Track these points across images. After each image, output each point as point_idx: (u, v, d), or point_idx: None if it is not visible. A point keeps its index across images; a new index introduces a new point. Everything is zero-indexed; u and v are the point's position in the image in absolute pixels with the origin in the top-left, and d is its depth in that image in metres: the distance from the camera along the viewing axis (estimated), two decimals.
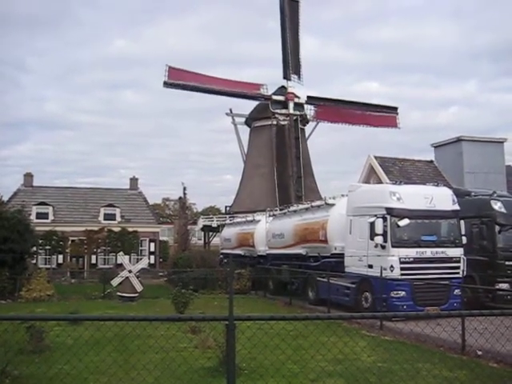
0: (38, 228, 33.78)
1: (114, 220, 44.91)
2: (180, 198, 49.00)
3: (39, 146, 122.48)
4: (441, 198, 17.09)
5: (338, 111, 45.55)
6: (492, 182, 30.74)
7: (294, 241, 23.20)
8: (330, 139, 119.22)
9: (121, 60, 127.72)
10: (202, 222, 45.73)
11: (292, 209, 25.41)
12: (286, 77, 44.06)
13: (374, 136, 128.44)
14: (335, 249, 19.79)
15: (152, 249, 45.85)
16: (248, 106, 46.90)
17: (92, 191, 49.40)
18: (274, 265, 25.08)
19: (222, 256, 34.12)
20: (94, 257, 43.48)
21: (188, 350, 10.20)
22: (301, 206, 24.62)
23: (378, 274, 15.72)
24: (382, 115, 46.45)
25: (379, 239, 16.32)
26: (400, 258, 16.13)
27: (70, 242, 42.44)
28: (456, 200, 17.48)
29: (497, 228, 18.14)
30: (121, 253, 28.81)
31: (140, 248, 44.76)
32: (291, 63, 43.76)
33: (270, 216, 27.31)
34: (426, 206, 16.71)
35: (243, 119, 46.78)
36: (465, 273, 16.63)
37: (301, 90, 45.17)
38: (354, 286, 17.82)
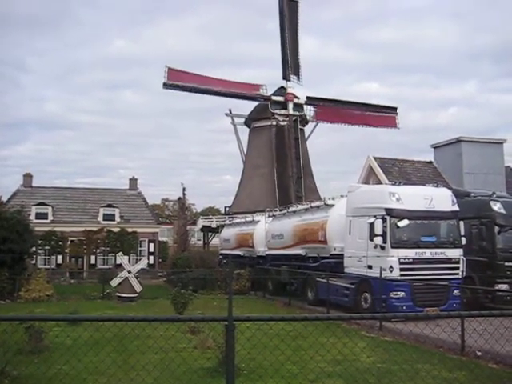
0: (37, 228, 33.76)
1: (114, 220, 44.89)
2: (179, 198, 49.03)
3: (39, 146, 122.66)
4: (440, 199, 17.09)
5: (337, 111, 45.56)
6: (491, 182, 30.74)
7: (293, 241, 23.19)
8: (330, 140, 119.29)
9: (120, 60, 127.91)
10: (201, 223, 45.70)
11: (291, 209, 25.41)
12: (286, 77, 44.08)
13: (373, 136, 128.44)
14: (334, 249, 19.79)
15: (151, 249, 45.83)
16: (247, 107, 46.99)
17: (91, 191, 49.39)
18: (274, 265, 25.07)
19: (221, 256, 34.11)
20: (93, 257, 43.45)
21: (187, 351, 10.18)
22: (300, 207, 24.62)
23: (378, 275, 15.71)
24: (381, 115, 46.46)
25: (378, 240, 16.32)
26: (399, 259, 16.13)
27: (69, 243, 42.42)
28: (455, 201, 17.48)
29: (496, 229, 18.13)
30: (120, 253, 28.79)
31: (139, 248, 44.73)
32: (290, 64, 43.77)
33: (269, 217, 27.31)
34: (426, 206, 16.71)
35: (243, 120, 46.79)
36: (464, 273, 16.63)
37: (300, 90, 45.27)
38: (353, 286, 17.82)
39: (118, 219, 45.25)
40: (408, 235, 16.59)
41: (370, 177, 33.78)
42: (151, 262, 43.51)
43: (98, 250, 43.32)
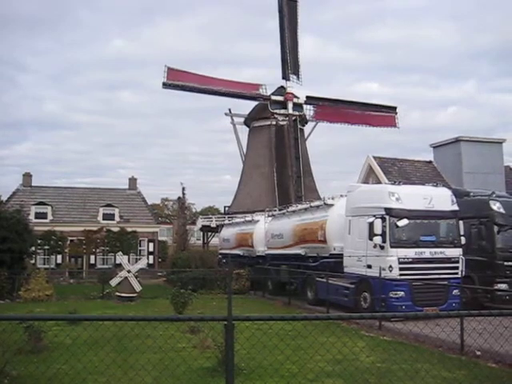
0: (36, 228, 33.79)
1: (113, 220, 44.89)
2: (179, 198, 49.05)
3: (38, 146, 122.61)
4: (440, 199, 17.09)
5: (337, 111, 45.53)
6: (491, 182, 30.73)
7: (292, 241, 23.19)
8: (329, 139, 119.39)
9: (120, 60, 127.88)
10: (200, 222, 45.68)
11: (291, 209, 25.40)
12: (285, 77, 44.03)
13: (373, 136, 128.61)
14: (334, 249, 19.79)
15: (151, 249, 45.83)
16: (247, 106, 46.94)
17: (91, 191, 49.38)
18: (273, 265, 25.07)
19: (220, 256, 34.11)
20: (92, 257, 43.44)
21: (187, 350, 10.18)
22: (300, 207, 24.62)
23: (377, 275, 15.72)
24: (381, 115, 46.42)
25: (378, 239, 16.32)
26: (399, 259, 16.13)
27: (68, 242, 42.41)
28: (455, 200, 17.48)
29: (495, 228, 18.13)
30: (119, 253, 28.77)
31: (139, 248, 44.75)
32: (290, 63, 43.73)
33: (268, 216, 27.31)
34: (425, 206, 16.71)
35: (242, 119, 46.76)
36: (463, 273, 16.63)
37: (300, 90, 45.19)
38: (352, 286, 17.82)
39: (117, 219, 45.25)
40: (407, 235, 16.59)
41: (369, 176, 33.77)
42: (151, 261, 43.53)
43: (98, 250, 43.30)
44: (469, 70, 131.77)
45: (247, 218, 30.35)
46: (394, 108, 46.97)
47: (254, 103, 45.56)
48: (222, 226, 36.56)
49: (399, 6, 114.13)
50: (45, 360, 9.31)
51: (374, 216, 16.57)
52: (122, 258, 25.43)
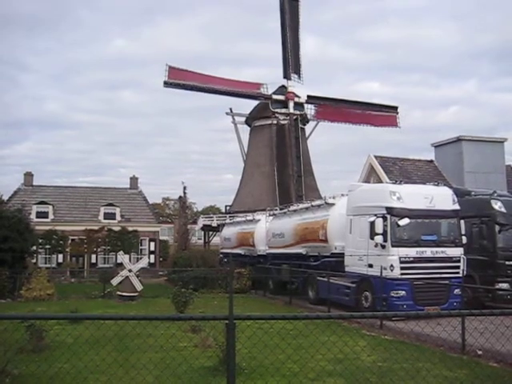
0: (38, 227, 33.86)
1: (114, 219, 44.93)
2: (180, 197, 49.05)
3: (39, 146, 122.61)
4: (441, 198, 17.09)
5: (338, 111, 45.52)
6: (492, 181, 30.70)
7: (294, 240, 23.19)
8: (331, 139, 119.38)
9: (121, 60, 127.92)
10: (201, 222, 45.72)
11: (292, 208, 25.40)
12: (286, 76, 44.04)
13: (374, 135, 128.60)
14: (335, 248, 19.79)
15: (152, 248, 45.86)
16: (248, 106, 46.95)
17: (92, 190, 49.44)
18: (274, 264, 25.07)
19: (221, 255, 34.11)
20: (93, 256, 43.48)
21: (188, 349, 10.20)
22: (301, 206, 24.60)
23: (378, 274, 15.71)
24: (382, 114, 46.41)
25: (379, 239, 16.31)
26: (400, 258, 16.12)
27: (69, 242, 42.45)
28: (456, 200, 17.47)
29: (497, 228, 18.12)
30: (121, 252, 28.81)
31: (140, 247, 44.80)
32: (291, 62, 43.74)
33: (270, 215, 27.30)
34: (426, 205, 16.70)
35: (243, 118, 46.76)
36: (465, 272, 16.62)
37: (301, 89, 45.21)
38: (354, 285, 17.82)
39: (118, 218, 45.29)
40: (408, 234, 16.58)
41: (370, 176, 33.76)
42: (152, 260, 43.53)
43: (99, 249, 43.33)
44: (469, 70, 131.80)
45: (248, 218, 30.34)
46: (396, 108, 46.96)
47: (255, 102, 45.58)
48: (223, 225, 36.55)
49: (400, 5, 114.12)
50: (46, 359, 9.31)
51: (375, 215, 16.57)
52: (123, 258, 25.46)
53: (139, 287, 23.31)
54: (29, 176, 47.63)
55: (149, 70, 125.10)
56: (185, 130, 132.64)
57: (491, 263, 17.80)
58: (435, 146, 36.93)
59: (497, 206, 18.37)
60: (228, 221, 35.69)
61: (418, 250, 16.33)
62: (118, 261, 31.90)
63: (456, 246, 16.89)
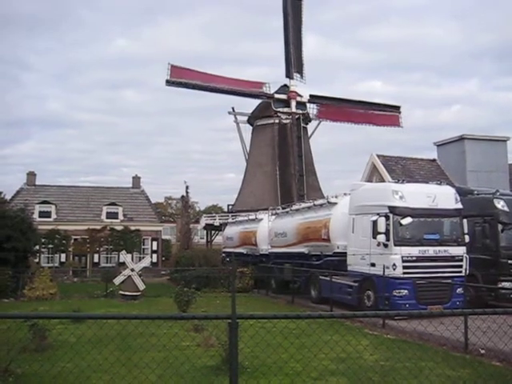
0: (40, 227, 33.96)
1: (117, 219, 44.99)
2: (182, 196, 49.07)
3: (41, 145, 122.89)
4: (443, 197, 17.05)
5: (340, 110, 45.44)
6: (495, 180, 30.67)
7: (296, 239, 23.18)
8: (332, 138, 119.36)
9: (122, 59, 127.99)
10: (204, 221, 45.68)
11: (294, 207, 25.38)
12: (289, 75, 43.97)
13: (376, 135, 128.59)
14: (338, 247, 19.76)
15: (154, 247, 45.93)
16: (250, 105, 46.88)
17: (94, 190, 49.52)
18: (277, 263, 25.06)
19: (224, 255, 34.12)
20: (96, 255, 43.55)
21: (190, 349, 10.21)
22: (303, 205, 24.58)
23: (381, 273, 15.71)
24: (384, 114, 46.29)
25: (382, 238, 16.29)
26: (402, 257, 16.09)
27: (72, 241, 42.49)
28: (459, 198, 17.44)
29: (499, 226, 18.09)
30: (123, 251, 28.83)
31: (142, 247, 44.82)
32: (294, 62, 43.67)
33: (272, 215, 27.29)
34: (429, 204, 16.67)
35: (245, 118, 46.71)
36: (467, 271, 16.57)
37: (303, 88, 45.11)
38: (356, 284, 17.81)
39: (121, 217, 45.35)
40: (411, 233, 16.55)
41: (373, 175, 33.73)
42: (154, 260, 43.55)
43: (102, 249, 43.36)
44: (471, 69, 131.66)
45: (251, 217, 30.34)
46: (398, 107, 46.83)
47: (257, 102, 45.51)
48: (226, 224, 36.57)
49: (401, 4, 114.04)
50: (49, 358, 9.33)
51: (378, 214, 16.55)
52: (125, 257, 25.50)
53: (142, 286, 23.34)
54: (31, 175, 47.73)
55: (150, 69, 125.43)
56: (187, 129, 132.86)
57: (494, 262, 17.77)
58: (438, 145, 36.89)
59: (499, 204, 18.34)
60: (230, 220, 35.69)
61: (420, 249, 16.31)
62: (121, 260, 31.92)
63: (459, 245, 16.86)
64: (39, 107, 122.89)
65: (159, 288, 27.23)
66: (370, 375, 8.35)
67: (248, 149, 46.79)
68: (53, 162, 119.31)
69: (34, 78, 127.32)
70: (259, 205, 36.16)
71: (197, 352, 10.06)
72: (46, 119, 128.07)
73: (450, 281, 15.87)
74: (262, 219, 28.28)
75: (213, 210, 69.38)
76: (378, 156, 34.21)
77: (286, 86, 44.44)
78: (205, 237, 48.06)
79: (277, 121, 43.59)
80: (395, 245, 16.20)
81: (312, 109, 45.35)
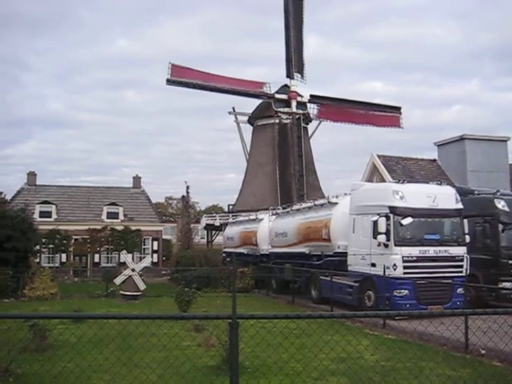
0: (41, 227, 33.95)
1: (117, 219, 44.99)
2: (183, 196, 49.04)
3: (42, 145, 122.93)
4: (444, 197, 17.05)
5: (340, 110, 45.44)
6: (495, 180, 30.66)
7: (297, 239, 23.18)
8: (333, 138, 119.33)
9: (123, 59, 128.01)
10: (204, 221, 45.71)
11: (295, 207, 25.38)
12: (289, 75, 43.96)
13: (376, 135, 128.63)
14: (338, 247, 19.76)
15: (155, 247, 45.93)
16: (251, 105, 46.90)
17: (95, 190, 49.51)
18: (277, 263, 25.06)
19: (224, 255, 34.13)
20: (97, 255, 43.52)
21: (191, 349, 10.21)
22: (304, 205, 24.57)
23: (381, 273, 15.70)
24: (385, 115, 46.29)
25: (382, 238, 16.29)
26: (403, 257, 16.09)
27: (73, 241, 42.48)
28: (459, 199, 17.44)
29: (500, 227, 18.08)
30: (124, 251, 28.85)
31: (143, 247, 44.83)
32: (294, 62, 43.66)
33: (273, 215, 27.29)
34: (429, 204, 16.67)
35: (246, 118, 46.72)
36: (468, 271, 16.59)
37: (304, 88, 45.12)
38: (356, 284, 17.80)
39: (121, 217, 45.35)
40: (411, 233, 16.55)
41: (373, 175, 33.73)
42: (155, 260, 43.53)
43: (102, 249, 43.34)
44: (471, 69, 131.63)
45: (251, 217, 30.34)
46: (399, 108, 46.84)
47: (257, 101, 45.51)
48: (226, 224, 36.58)
49: (401, 4, 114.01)
50: (50, 358, 9.33)
51: (378, 214, 16.55)
52: (126, 257, 25.50)
53: (142, 286, 23.34)
54: (32, 175, 47.73)
55: (151, 69, 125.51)
56: (187, 129, 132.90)
57: (494, 262, 17.76)
58: (438, 145, 36.88)
59: (500, 204, 18.33)
60: (231, 220, 35.70)
61: (421, 249, 16.31)
62: (121, 260, 31.91)
63: (459, 245, 16.86)
64: (39, 107, 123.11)
65: (160, 288, 27.24)
66: (370, 375, 8.35)
67: (248, 149, 46.80)
68: (53, 162, 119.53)
69: (34, 78, 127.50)
70: (260, 205, 36.18)
71: (197, 352, 10.07)
72: (47, 119, 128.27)
73: (450, 281, 15.88)
74: (262, 219, 28.27)
75: (213, 210, 69.39)
76: (379, 156, 34.21)
77: (286, 85, 44.44)
78: (205, 237, 48.07)
79: (277, 121, 43.60)
80: (396, 245, 16.20)
81: (312, 109, 45.38)
